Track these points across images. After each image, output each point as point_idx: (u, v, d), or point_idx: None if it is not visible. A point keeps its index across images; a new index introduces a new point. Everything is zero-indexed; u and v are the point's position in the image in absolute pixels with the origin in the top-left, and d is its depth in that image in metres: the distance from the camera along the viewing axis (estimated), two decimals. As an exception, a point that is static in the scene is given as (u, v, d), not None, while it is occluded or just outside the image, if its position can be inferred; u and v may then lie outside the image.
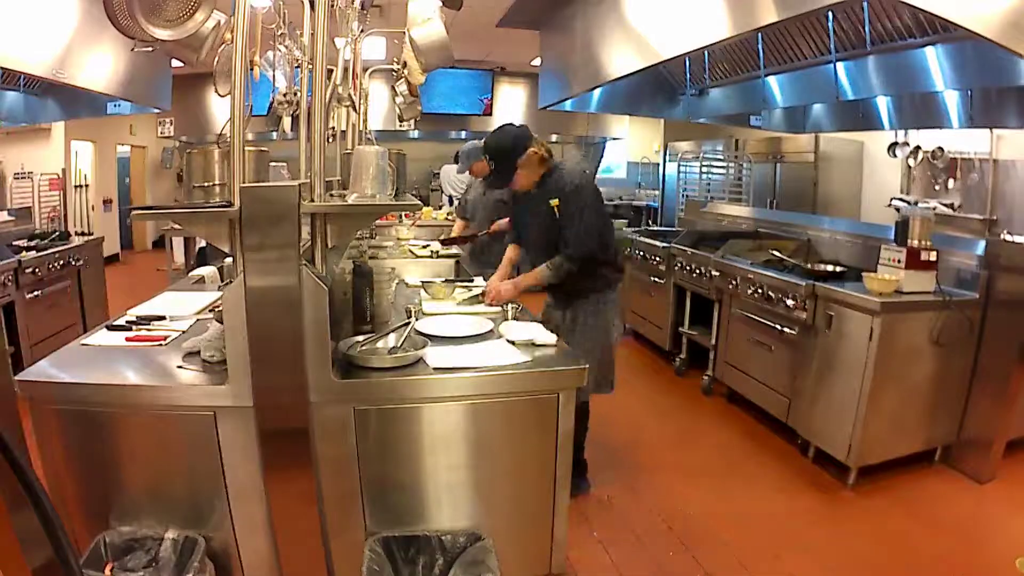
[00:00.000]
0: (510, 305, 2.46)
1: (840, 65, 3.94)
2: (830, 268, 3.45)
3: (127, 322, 2.14)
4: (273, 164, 2.12)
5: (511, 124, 2.66)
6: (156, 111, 6.44)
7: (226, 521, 1.70)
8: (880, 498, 2.87)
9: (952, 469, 3.11)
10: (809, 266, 3.48)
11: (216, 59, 1.87)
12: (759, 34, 3.94)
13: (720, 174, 7.29)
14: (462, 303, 2.67)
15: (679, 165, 8.01)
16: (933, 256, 2.93)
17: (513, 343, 2.04)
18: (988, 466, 2.99)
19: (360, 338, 1.95)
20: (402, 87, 3.37)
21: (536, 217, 2.64)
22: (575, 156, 9.78)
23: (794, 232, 4.40)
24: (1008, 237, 2.98)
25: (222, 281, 2.77)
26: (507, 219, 3.48)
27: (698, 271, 4.20)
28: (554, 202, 2.52)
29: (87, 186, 8.48)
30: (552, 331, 2.22)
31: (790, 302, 3.26)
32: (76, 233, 4.89)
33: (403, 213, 5.35)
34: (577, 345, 2.48)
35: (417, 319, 2.22)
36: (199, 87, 7.73)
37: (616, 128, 9.79)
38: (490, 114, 9.04)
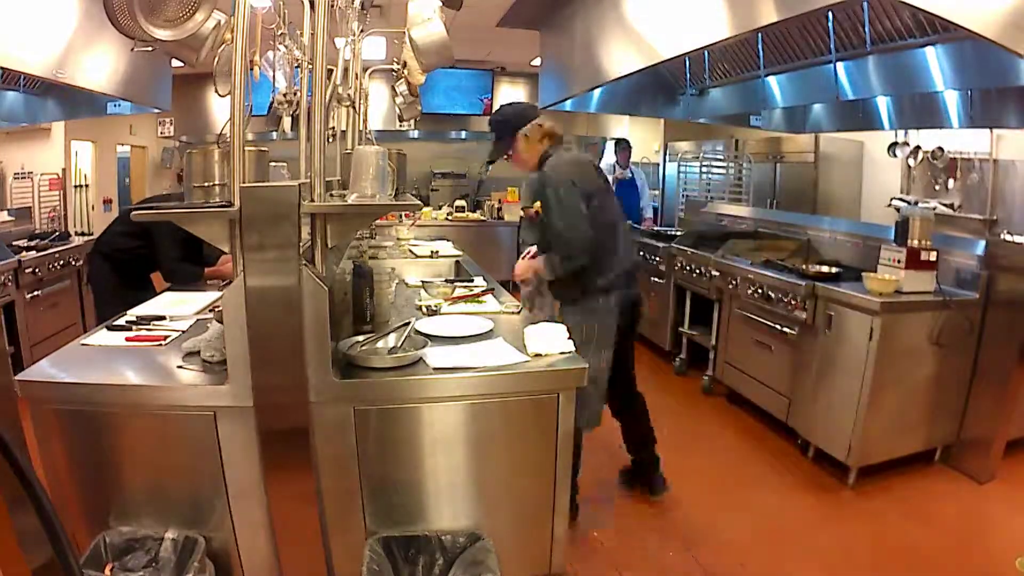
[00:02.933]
0: (514, 304, 2.44)
1: (840, 65, 3.94)
2: (825, 269, 3.44)
3: (127, 322, 2.14)
4: (273, 164, 2.11)
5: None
6: (156, 111, 6.44)
7: (226, 521, 1.70)
8: (880, 498, 2.88)
9: (952, 469, 3.11)
10: (805, 267, 3.47)
11: (216, 59, 1.87)
12: (759, 34, 3.94)
13: (720, 174, 7.28)
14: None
15: (679, 165, 7.99)
16: (933, 256, 2.93)
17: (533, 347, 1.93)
18: (988, 466, 2.99)
19: (360, 338, 1.94)
20: (402, 87, 3.36)
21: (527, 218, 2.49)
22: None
23: (794, 232, 4.39)
24: (1008, 237, 2.98)
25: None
26: None
27: (698, 271, 4.20)
28: (537, 205, 2.37)
29: (87, 186, 8.46)
30: None
31: (790, 302, 3.26)
32: (76, 233, 4.90)
33: (403, 213, 5.34)
34: None
35: (417, 319, 2.22)
36: (199, 87, 7.71)
37: (616, 128, 9.76)
38: (490, 114, 9.04)
